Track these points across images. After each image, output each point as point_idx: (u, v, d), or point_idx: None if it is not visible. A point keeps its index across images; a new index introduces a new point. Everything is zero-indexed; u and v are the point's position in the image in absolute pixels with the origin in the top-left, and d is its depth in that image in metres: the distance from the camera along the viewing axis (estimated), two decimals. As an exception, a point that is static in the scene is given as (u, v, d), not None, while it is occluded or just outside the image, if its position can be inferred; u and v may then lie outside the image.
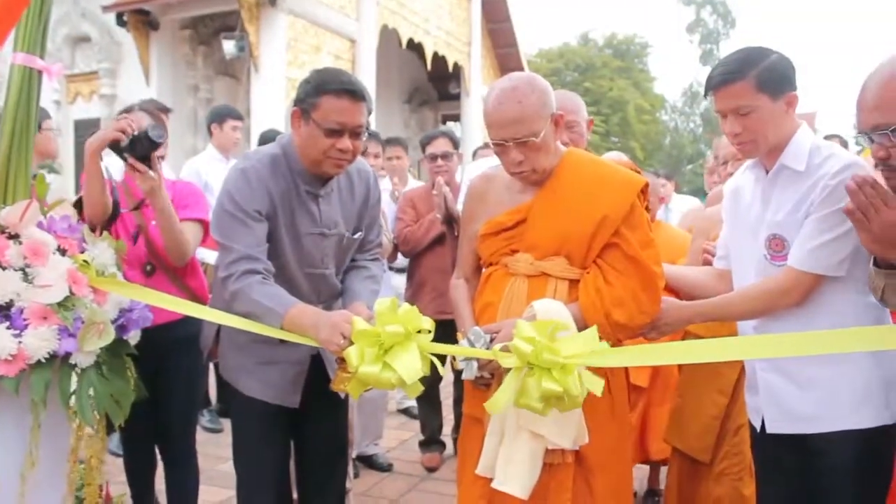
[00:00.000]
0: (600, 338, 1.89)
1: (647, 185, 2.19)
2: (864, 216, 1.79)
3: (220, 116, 5.09)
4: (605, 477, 2.12)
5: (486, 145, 5.87)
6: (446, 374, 2.06)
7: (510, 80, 2.11)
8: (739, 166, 2.37)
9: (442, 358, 1.98)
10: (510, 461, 1.99)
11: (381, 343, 1.86)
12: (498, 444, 2.04)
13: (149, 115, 2.79)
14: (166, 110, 3.64)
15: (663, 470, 3.60)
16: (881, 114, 1.72)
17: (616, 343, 2.08)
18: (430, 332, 1.93)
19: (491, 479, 2.03)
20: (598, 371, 1.90)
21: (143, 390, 2.23)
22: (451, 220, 3.86)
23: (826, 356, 1.92)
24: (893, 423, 1.96)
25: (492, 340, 2.02)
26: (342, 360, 1.94)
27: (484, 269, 2.31)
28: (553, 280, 2.12)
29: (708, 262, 2.50)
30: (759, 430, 2.15)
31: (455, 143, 4.27)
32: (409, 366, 1.84)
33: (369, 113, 2.19)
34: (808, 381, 2.01)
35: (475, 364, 2.02)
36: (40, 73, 2.14)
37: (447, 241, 3.94)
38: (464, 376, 2.05)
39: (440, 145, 4.16)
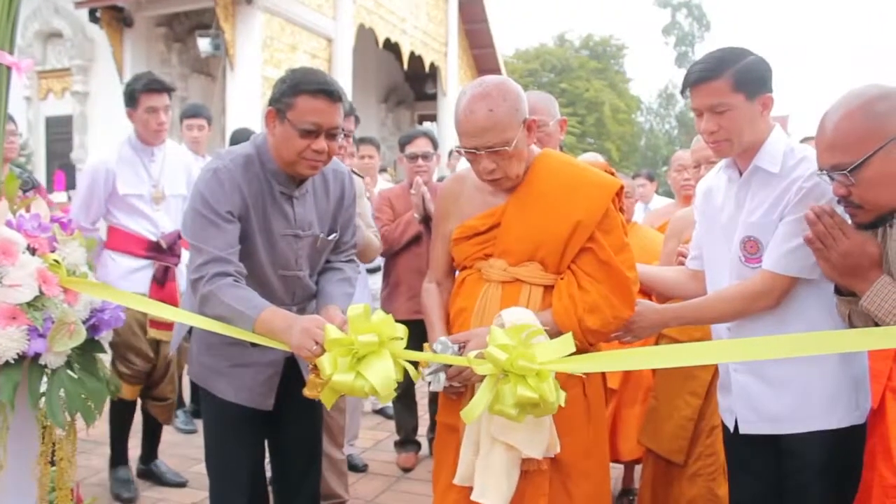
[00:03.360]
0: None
1: (622, 188, 2.17)
2: (823, 245, 1.82)
3: (180, 118, 5.24)
4: (583, 481, 2.11)
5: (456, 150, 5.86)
6: (420, 375, 2.05)
7: (481, 85, 2.06)
8: (713, 168, 2.39)
9: (416, 362, 1.97)
10: (488, 472, 1.97)
11: (355, 352, 1.84)
12: (473, 454, 2.02)
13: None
14: (168, 89, 3.60)
15: (638, 469, 3.62)
16: (838, 154, 1.73)
17: (590, 348, 2.08)
18: (402, 339, 1.91)
19: (465, 488, 2.02)
20: (573, 375, 1.90)
21: (119, 388, 2.20)
22: (428, 219, 3.85)
23: (798, 357, 1.94)
24: (862, 423, 1.99)
25: (460, 349, 2.00)
26: (315, 367, 1.92)
27: (458, 272, 2.29)
28: (527, 286, 2.10)
29: (682, 265, 2.51)
30: (731, 430, 2.17)
31: (435, 144, 4.26)
32: (383, 375, 1.82)
33: (350, 115, 2.16)
34: (780, 382, 2.03)
35: (442, 376, 2.00)
36: (9, 68, 2.10)
37: (424, 241, 3.93)
38: (431, 388, 2.03)
39: (421, 145, 4.15)
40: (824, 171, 1.79)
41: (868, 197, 1.73)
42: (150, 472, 3.82)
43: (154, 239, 3.53)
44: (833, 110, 1.76)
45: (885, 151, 1.68)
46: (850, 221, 1.84)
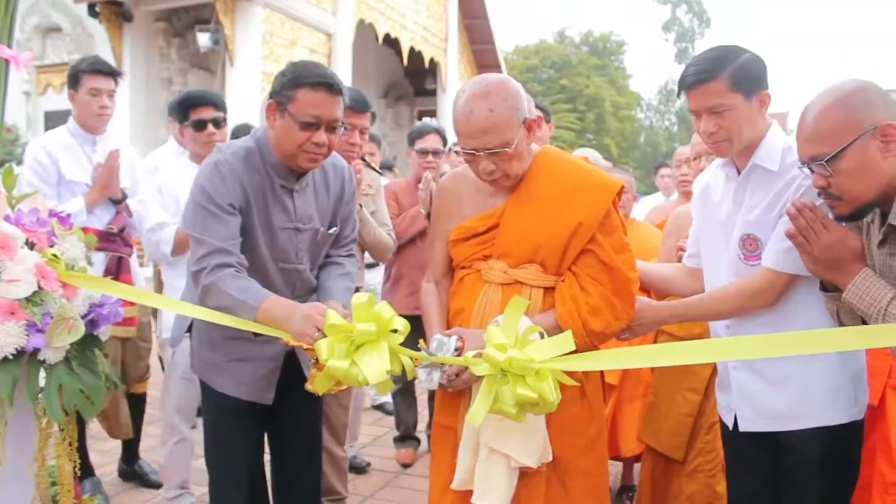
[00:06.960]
0: (575, 345, 1.85)
1: (622, 188, 2.14)
2: (804, 240, 1.83)
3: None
4: (582, 479, 2.10)
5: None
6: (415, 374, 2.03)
7: (481, 84, 2.00)
8: (712, 161, 2.38)
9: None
10: (488, 475, 1.96)
11: (352, 339, 1.84)
12: (471, 457, 2.01)
13: None
14: (115, 74, 3.45)
15: (637, 466, 3.63)
16: (816, 145, 1.76)
17: (592, 349, 2.06)
18: (401, 332, 1.90)
19: (461, 491, 2.02)
20: (573, 374, 1.89)
21: (116, 383, 2.18)
22: (433, 215, 3.84)
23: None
24: (861, 419, 1.99)
25: (457, 349, 1.98)
26: (317, 361, 1.92)
27: (457, 270, 2.25)
28: (527, 288, 2.08)
29: (682, 260, 2.50)
30: (730, 428, 2.17)
31: (445, 141, 4.26)
32: (375, 367, 1.81)
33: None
34: (779, 379, 2.03)
35: (436, 374, 1.99)
36: (8, 62, 2.10)
37: (427, 236, 3.93)
38: (426, 386, 2.03)
39: (431, 141, 4.15)
40: (805, 164, 1.81)
41: (846, 187, 1.75)
42: (134, 473, 3.73)
43: (101, 228, 3.28)
44: (812, 104, 1.79)
45: (862, 142, 1.71)
46: (831, 215, 1.84)
